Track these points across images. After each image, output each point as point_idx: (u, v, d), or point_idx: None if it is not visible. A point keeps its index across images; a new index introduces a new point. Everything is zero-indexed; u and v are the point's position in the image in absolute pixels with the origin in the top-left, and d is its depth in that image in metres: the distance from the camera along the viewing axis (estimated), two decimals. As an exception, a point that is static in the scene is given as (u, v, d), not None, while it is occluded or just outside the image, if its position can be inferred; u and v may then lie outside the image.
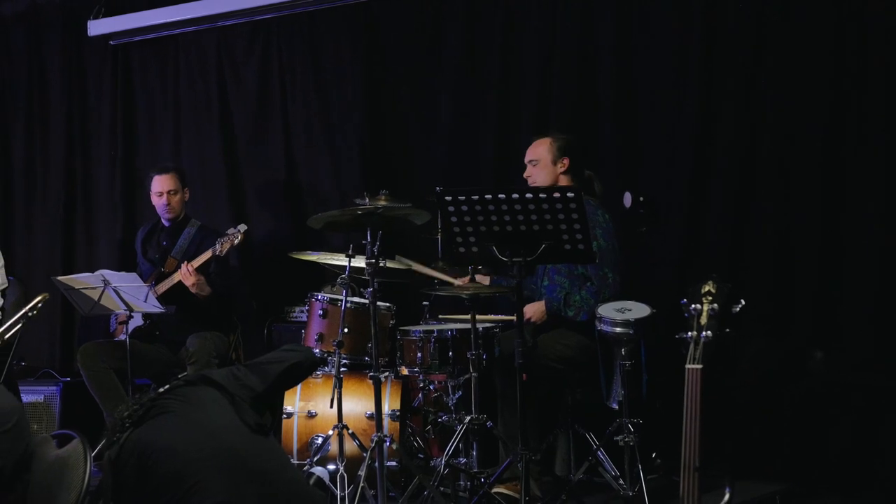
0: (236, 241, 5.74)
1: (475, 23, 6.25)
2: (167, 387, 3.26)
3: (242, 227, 5.77)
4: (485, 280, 5.20)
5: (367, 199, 4.61)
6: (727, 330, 2.98)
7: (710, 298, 3.00)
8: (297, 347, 3.73)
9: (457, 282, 5.14)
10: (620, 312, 4.70)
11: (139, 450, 3.10)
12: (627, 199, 5.22)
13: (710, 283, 3.03)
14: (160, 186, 6.14)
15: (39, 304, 3.58)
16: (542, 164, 5.11)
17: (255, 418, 3.24)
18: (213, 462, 3.06)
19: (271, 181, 6.88)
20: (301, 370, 3.54)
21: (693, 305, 3.02)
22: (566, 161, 5.08)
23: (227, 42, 6.99)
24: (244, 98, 6.95)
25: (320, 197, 6.65)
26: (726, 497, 2.93)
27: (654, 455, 4.84)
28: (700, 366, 2.91)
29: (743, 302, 3.03)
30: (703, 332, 2.96)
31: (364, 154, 6.53)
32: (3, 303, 5.74)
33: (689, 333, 2.99)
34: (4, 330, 3.38)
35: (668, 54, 5.71)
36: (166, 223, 6.25)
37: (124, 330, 5.70)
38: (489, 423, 4.65)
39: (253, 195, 6.95)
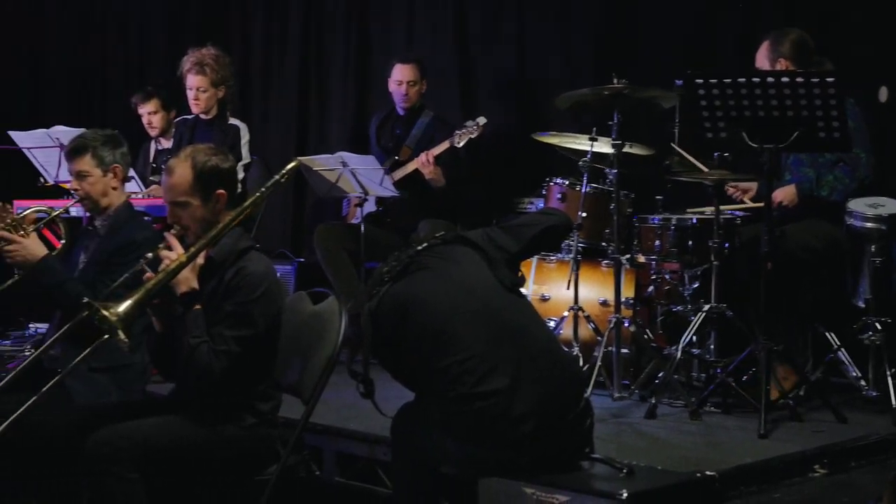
0: (474, 135, 5.76)
1: None
2: (425, 244, 3.33)
3: (482, 121, 5.77)
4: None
5: (616, 81, 4.55)
6: None
7: None
8: (553, 211, 3.74)
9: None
10: (873, 207, 4.54)
11: (398, 303, 3.19)
12: (883, 93, 5.02)
13: None
14: (401, 76, 6.18)
15: (290, 171, 3.64)
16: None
17: (511, 277, 3.28)
18: (471, 317, 3.12)
19: (502, 74, 6.85)
20: (556, 234, 3.54)
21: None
22: (783, 63, 4.80)
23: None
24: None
25: (550, 88, 6.55)
26: None
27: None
28: None
29: None
30: None
31: (597, 42, 6.40)
32: (244, 178, 5.95)
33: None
34: (259, 196, 3.48)
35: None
36: (401, 111, 6.32)
37: (357, 213, 5.84)
38: (729, 313, 4.54)
39: (483, 88, 6.93)
